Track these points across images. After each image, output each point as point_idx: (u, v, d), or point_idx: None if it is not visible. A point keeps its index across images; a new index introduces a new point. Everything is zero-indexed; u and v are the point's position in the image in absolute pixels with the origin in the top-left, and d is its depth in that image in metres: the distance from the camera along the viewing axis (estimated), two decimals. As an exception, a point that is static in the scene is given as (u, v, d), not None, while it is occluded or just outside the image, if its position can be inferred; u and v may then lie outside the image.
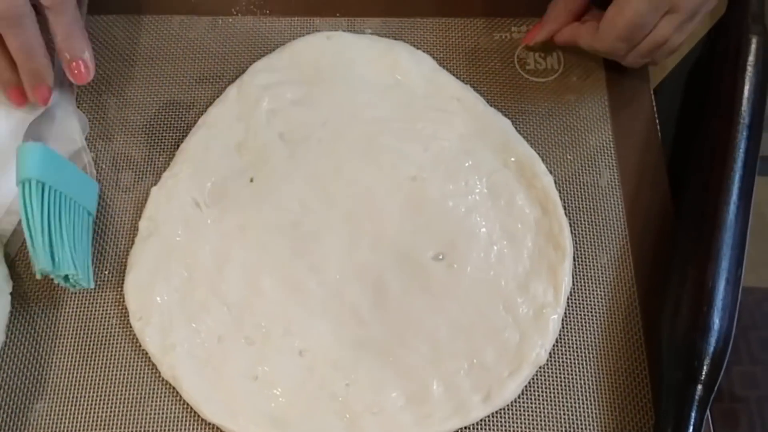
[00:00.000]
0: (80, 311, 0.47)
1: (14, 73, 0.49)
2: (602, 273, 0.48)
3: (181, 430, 0.44)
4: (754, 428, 0.47)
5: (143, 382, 0.45)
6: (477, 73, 0.55)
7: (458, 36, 0.56)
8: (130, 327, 0.46)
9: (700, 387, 0.42)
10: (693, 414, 0.42)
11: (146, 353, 0.45)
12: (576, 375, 0.46)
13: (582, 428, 0.44)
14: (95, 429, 0.44)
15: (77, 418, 0.44)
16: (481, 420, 0.44)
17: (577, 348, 0.46)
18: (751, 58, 0.51)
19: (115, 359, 0.46)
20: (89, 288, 0.46)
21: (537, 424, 0.44)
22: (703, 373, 0.43)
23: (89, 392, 0.45)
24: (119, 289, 0.47)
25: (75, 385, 0.45)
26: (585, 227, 0.50)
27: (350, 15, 0.56)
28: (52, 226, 0.44)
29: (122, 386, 0.45)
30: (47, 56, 0.49)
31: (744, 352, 0.51)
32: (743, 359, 0.51)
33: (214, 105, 0.52)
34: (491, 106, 0.53)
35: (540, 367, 0.45)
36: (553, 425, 0.44)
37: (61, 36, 0.48)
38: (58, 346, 0.46)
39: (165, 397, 0.45)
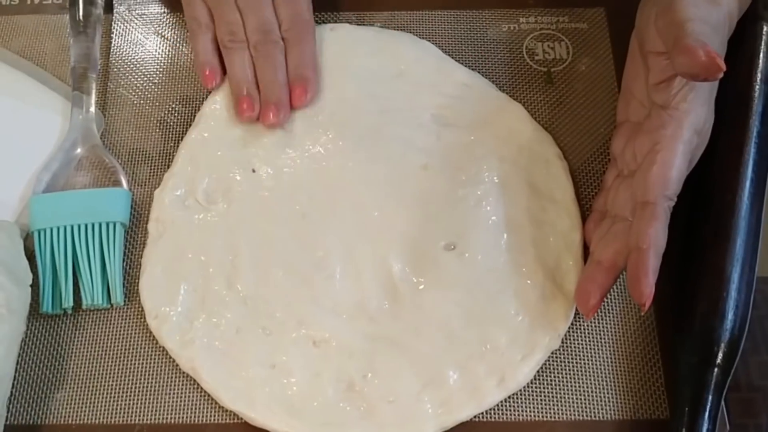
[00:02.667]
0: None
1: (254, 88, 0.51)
2: (615, 258, 0.48)
3: (199, 417, 0.45)
4: (771, 417, 0.47)
5: (162, 372, 0.46)
6: (486, 63, 0.55)
7: (466, 28, 0.56)
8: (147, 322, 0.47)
9: (717, 371, 0.42)
10: (710, 398, 0.42)
11: (163, 347, 0.46)
12: (589, 359, 0.46)
13: (596, 411, 0.44)
14: (115, 417, 0.45)
15: (97, 407, 0.45)
16: (496, 406, 0.44)
17: (589, 333, 0.46)
18: (763, 46, 0.51)
19: (133, 350, 0.46)
20: (119, 305, 0.47)
21: (551, 408, 0.44)
22: (720, 357, 0.43)
23: (108, 382, 0.45)
24: (137, 283, 0.48)
25: (95, 375, 0.46)
26: (597, 214, 0.50)
27: (358, 9, 0.57)
28: (78, 263, 0.47)
29: (141, 376, 0.46)
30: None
31: (762, 343, 0.51)
32: (761, 350, 0.51)
33: (207, 99, 0.53)
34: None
35: (553, 352, 0.45)
36: (566, 409, 0.44)
37: (293, 64, 0.51)
38: (78, 337, 0.47)
39: (183, 385, 0.45)
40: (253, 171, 0.50)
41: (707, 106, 0.44)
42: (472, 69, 0.54)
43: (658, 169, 0.42)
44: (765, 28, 0.51)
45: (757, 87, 0.49)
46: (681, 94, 0.43)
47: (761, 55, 0.50)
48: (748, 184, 0.46)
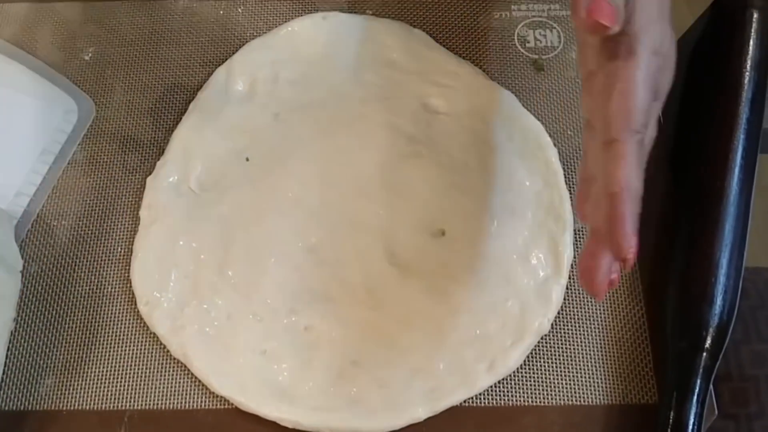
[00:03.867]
0: (89, 290, 0.48)
1: None
2: (604, 244, 0.49)
3: (190, 403, 0.45)
4: (763, 407, 0.47)
5: (152, 357, 0.46)
6: (477, 51, 0.55)
7: (458, 15, 0.56)
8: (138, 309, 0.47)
9: (705, 356, 0.43)
10: (698, 382, 0.42)
11: (154, 333, 0.46)
12: (579, 344, 0.46)
13: (585, 396, 0.45)
14: (105, 403, 0.45)
15: (87, 392, 0.45)
16: (485, 390, 0.44)
17: (579, 317, 0.47)
18: (752, 34, 0.51)
19: (124, 336, 0.46)
20: None
21: (540, 393, 0.45)
22: (709, 342, 0.43)
23: (99, 368, 0.46)
24: (128, 269, 0.48)
25: (85, 361, 0.46)
26: (587, 200, 0.50)
27: (351, -4, 0.57)
28: None
29: (132, 362, 0.46)
30: None
31: (753, 332, 0.51)
32: (752, 339, 0.51)
33: (203, 89, 0.53)
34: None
35: (543, 337, 0.45)
36: (556, 393, 0.45)
37: None
38: (68, 323, 0.47)
39: (174, 371, 0.45)
40: (247, 159, 0.50)
41: (660, 22, 0.38)
42: (464, 57, 0.54)
43: (616, 103, 0.36)
44: (755, 15, 0.51)
45: (747, 74, 0.49)
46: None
47: (751, 42, 0.50)
48: (737, 170, 0.46)
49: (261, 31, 0.56)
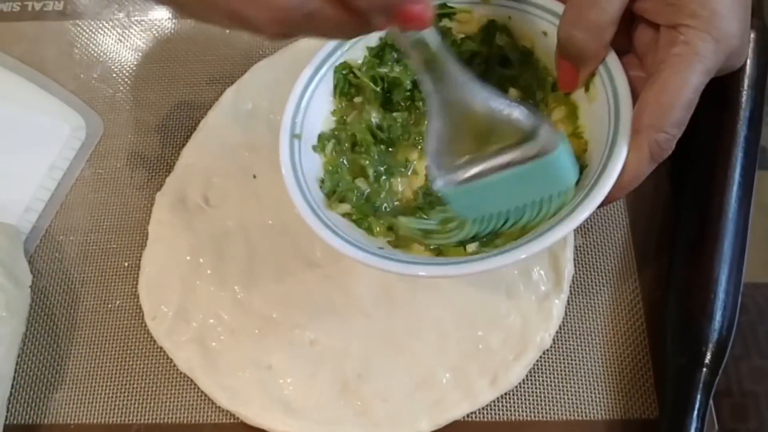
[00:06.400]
0: (98, 305, 0.48)
1: None
2: (604, 260, 0.49)
3: (196, 417, 0.45)
4: (763, 422, 0.47)
5: (159, 371, 0.46)
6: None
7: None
8: (146, 323, 0.47)
9: (705, 371, 0.43)
10: (698, 397, 0.42)
11: (161, 347, 0.47)
12: (580, 359, 0.46)
13: (587, 410, 0.45)
14: (112, 417, 0.45)
15: (95, 406, 0.46)
16: (488, 404, 0.45)
17: (580, 333, 0.47)
18: (750, 53, 0.51)
19: (131, 351, 0.47)
20: None
21: (543, 407, 0.45)
22: (708, 357, 0.43)
23: (106, 382, 0.46)
24: (135, 284, 0.48)
25: (93, 375, 0.46)
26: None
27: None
28: None
29: (139, 376, 0.46)
30: None
31: (753, 347, 0.51)
32: (752, 354, 0.51)
33: (212, 108, 0.54)
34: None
35: (545, 352, 0.46)
36: (558, 409, 0.45)
37: None
38: (76, 338, 0.47)
39: (181, 385, 0.46)
40: (254, 177, 0.51)
41: (735, 18, 0.36)
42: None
43: (651, 95, 0.35)
44: (752, 35, 0.52)
45: (745, 93, 0.50)
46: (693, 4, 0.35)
47: (748, 61, 0.51)
48: (735, 187, 0.47)
49: (267, 50, 0.57)
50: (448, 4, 0.45)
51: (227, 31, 0.57)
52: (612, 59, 0.38)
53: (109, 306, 0.48)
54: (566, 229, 0.35)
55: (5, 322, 0.44)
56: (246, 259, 0.48)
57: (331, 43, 0.44)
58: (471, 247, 0.40)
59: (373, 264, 0.37)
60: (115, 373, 0.46)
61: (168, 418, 0.45)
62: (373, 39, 0.45)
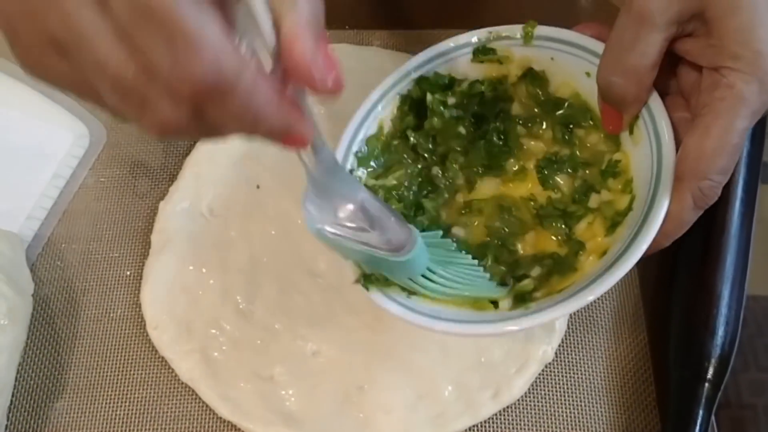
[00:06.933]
0: (99, 314, 0.48)
1: None
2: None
3: (198, 428, 0.45)
4: (761, 435, 0.48)
5: (161, 381, 0.46)
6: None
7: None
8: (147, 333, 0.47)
9: (707, 386, 0.43)
10: (701, 412, 0.43)
11: (163, 357, 0.46)
12: (582, 373, 0.46)
13: (589, 425, 0.45)
14: (114, 427, 0.45)
15: (96, 416, 0.45)
16: (490, 417, 0.45)
17: (582, 347, 0.47)
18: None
19: (132, 360, 0.47)
20: None
21: (544, 422, 0.45)
22: (711, 372, 0.43)
23: (108, 391, 0.46)
24: (137, 293, 0.48)
25: (94, 384, 0.46)
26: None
27: (359, 27, 0.58)
28: None
29: (140, 386, 0.46)
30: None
31: (751, 360, 0.51)
32: (750, 367, 0.51)
33: None
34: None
35: (547, 366, 0.46)
36: (560, 422, 0.45)
37: None
38: (78, 347, 0.47)
39: (182, 396, 0.46)
40: (258, 187, 0.51)
41: None
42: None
43: (694, 140, 0.34)
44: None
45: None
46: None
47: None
48: (738, 203, 0.47)
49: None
50: (488, 46, 0.44)
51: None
52: (655, 101, 0.37)
53: (111, 315, 0.48)
54: (610, 282, 0.34)
55: (7, 330, 0.44)
56: (249, 269, 0.48)
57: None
58: (504, 303, 0.38)
59: (405, 318, 0.37)
60: (116, 383, 0.46)
61: (169, 428, 0.45)
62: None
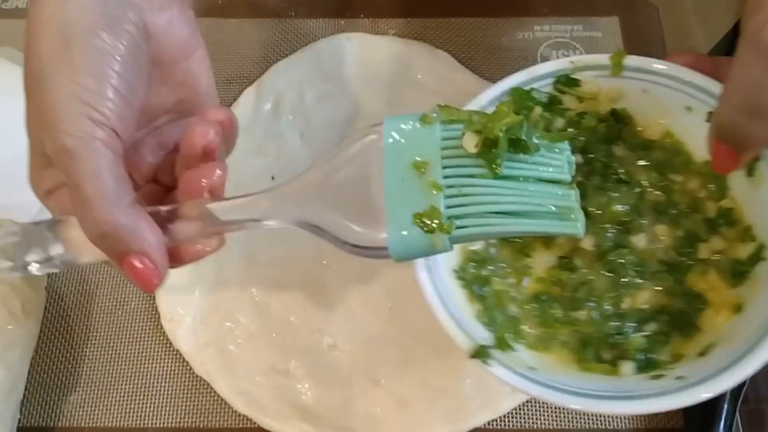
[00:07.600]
0: (113, 306, 0.48)
1: None
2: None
3: (213, 421, 0.45)
4: (780, 428, 0.47)
5: (175, 375, 0.46)
6: (500, 71, 0.55)
7: (481, 35, 0.57)
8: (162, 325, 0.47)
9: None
10: (725, 407, 0.42)
11: (178, 350, 0.46)
12: (605, 366, 0.46)
13: (610, 420, 0.44)
14: (128, 420, 0.45)
15: (110, 410, 0.45)
16: (510, 412, 0.44)
17: (606, 340, 0.46)
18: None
19: (147, 353, 0.47)
20: None
21: (565, 416, 0.44)
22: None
23: (122, 385, 0.46)
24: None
25: (107, 378, 0.46)
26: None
27: (374, 16, 0.58)
28: None
29: (154, 379, 0.46)
30: None
31: (769, 354, 0.50)
32: (768, 360, 0.50)
33: (232, 107, 0.53)
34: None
35: (569, 359, 0.45)
36: (581, 417, 0.44)
37: None
38: (91, 340, 0.47)
39: (197, 389, 0.45)
40: (272, 178, 0.50)
41: None
42: (487, 78, 0.54)
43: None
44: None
45: None
46: None
47: None
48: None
49: (285, 50, 0.56)
50: (572, 76, 0.39)
51: (245, 31, 0.57)
52: None
53: (125, 308, 0.48)
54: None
55: (21, 323, 0.43)
56: (263, 262, 0.48)
57: None
58: (627, 369, 0.34)
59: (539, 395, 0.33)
60: (131, 376, 0.46)
61: (183, 422, 0.45)
62: None
